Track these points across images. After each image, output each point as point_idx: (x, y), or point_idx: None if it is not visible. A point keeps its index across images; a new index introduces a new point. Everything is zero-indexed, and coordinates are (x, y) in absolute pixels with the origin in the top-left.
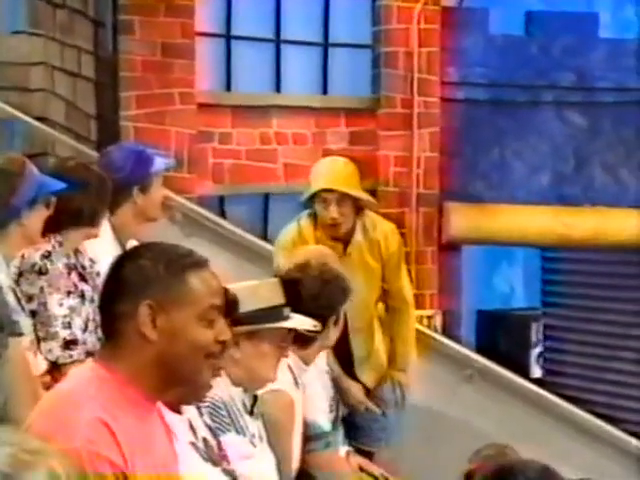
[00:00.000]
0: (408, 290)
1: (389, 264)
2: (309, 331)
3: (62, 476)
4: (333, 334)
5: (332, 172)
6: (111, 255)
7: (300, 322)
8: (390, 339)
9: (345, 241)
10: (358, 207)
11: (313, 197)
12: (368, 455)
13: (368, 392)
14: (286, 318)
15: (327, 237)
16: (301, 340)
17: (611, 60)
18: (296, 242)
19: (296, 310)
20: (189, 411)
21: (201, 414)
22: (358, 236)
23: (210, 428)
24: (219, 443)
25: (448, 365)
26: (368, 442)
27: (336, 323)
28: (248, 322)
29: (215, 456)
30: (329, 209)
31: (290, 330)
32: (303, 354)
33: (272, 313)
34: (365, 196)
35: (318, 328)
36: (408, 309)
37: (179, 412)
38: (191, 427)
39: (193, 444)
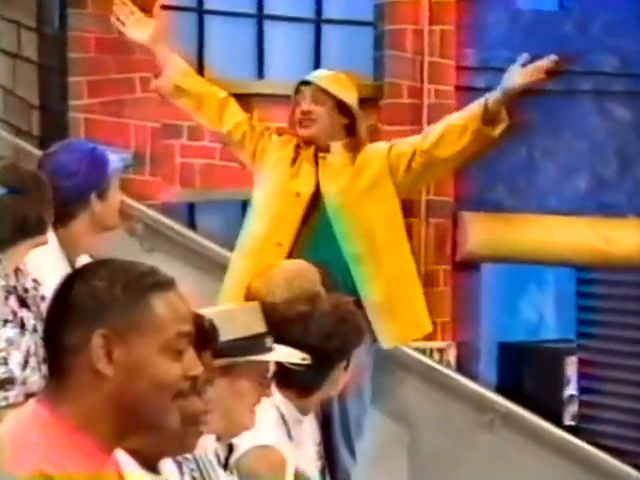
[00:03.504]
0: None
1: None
2: (308, 373)
3: None
4: (341, 381)
5: (316, 73)
6: (58, 275)
7: (286, 354)
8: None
9: (319, 148)
10: (348, 127)
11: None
12: None
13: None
14: (269, 349)
15: (302, 145)
16: (302, 387)
17: None
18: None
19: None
20: (168, 469)
21: (182, 472)
22: (340, 151)
23: None
24: None
25: (464, 408)
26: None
27: (345, 369)
28: (223, 354)
29: None
30: (303, 103)
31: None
32: (302, 403)
33: (252, 343)
34: (348, 98)
35: (307, 361)
36: None
37: (155, 470)
38: None
39: None
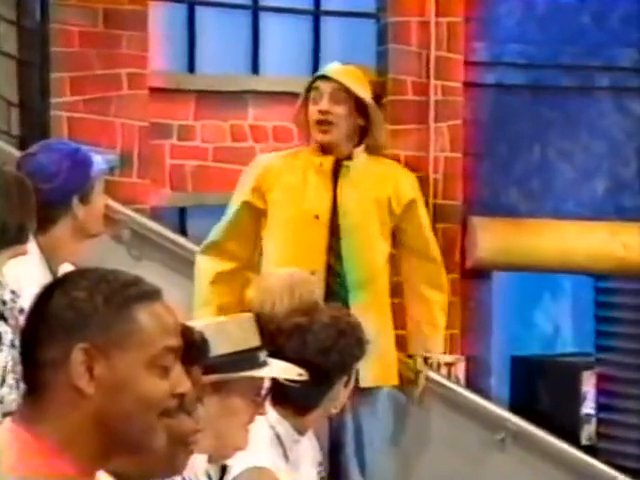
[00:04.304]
0: (435, 247)
1: (408, 213)
2: (306, 389)
3: None
4: (342, 398)
5: (333, 67)
6: (38, 285)
7: (281, 370)
8: (409, 318)
9: (338, 160)
10: (362, 129)
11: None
12: None
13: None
14: (263, 364)
15: (315, 151)
16: (299, 405)
17: None
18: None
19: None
20: None
21: None
22: (362, 158)
23: None
24: None
25: (474, 426)
26: None
27: (346, 385)
28: (214, 370)
29: None
30: (320, 101)
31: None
32: (299, 422)
33: (245, 358)
34: (367, 97)
35: (304, 377)
36: (439, 271)
37: None
38: None
39: None
